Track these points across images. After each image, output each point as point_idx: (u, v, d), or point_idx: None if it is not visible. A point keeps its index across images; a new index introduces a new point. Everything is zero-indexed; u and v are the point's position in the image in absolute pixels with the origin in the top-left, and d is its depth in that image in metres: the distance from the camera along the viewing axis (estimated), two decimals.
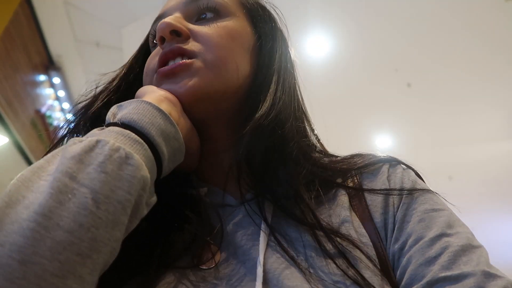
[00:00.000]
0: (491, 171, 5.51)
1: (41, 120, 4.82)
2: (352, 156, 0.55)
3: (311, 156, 0.51)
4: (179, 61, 0.48)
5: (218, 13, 0.53)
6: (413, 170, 0.52)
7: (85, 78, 4.98)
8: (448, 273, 0.37)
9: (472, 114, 4.81)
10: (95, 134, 0.37)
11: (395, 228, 0.44)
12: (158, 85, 0.49)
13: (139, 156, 0.35)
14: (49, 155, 0.35)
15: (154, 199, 0.38)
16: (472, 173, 5.60)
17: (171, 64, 0.49)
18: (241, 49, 0.52)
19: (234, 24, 0.53)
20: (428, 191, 0.47)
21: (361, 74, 4.46)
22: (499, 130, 5.00)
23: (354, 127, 5.09)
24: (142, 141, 0.37)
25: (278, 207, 0.47)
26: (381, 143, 5.43)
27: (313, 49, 4.06)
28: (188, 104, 0.47)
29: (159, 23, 0.49)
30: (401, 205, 0.46)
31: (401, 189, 0.47)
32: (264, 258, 0.42)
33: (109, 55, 4.44)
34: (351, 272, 0.40)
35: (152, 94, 0.45)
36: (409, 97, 4.68)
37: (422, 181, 0.50)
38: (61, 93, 5.15)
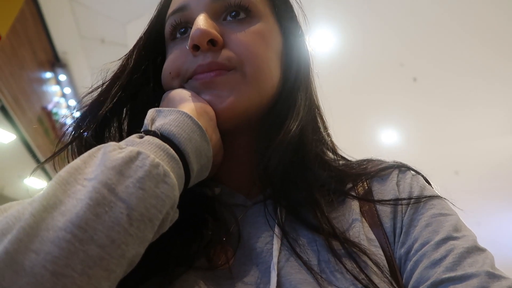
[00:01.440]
0: (497, 165, 5.47)
1: (48, 117, 4.85)
2: (363, 161, 0.55)
3: (327, 162, 0.51)
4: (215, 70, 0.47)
5: (249, 14, 0.49)
6: (422, 176, 0.51)
7: (90, 74, 5.00)
8: (452, 274, 0.38)
9: (479, 108, 4.78)
10: (135, 143, 0.36)
11: (402, 233, 0.44)
12: (195, 91, 0.47)
13: (173, 174, 0.35)
14: (85, 154, 0.34)
15: (177, 215, 0.38)
16: (478, 168, 5.57)
17: (211, 74, 0.46)
18: (274, 55, 0.51)
19: (267, 27, 0.50)
20: (436, 197, 0.47)
21: (366, 69, 4.44)
22: (505, 125, 4.96)
23: (360, 122, 5.07)
24: (178, 158, 0.37)
25: (291, 212, 0.47)
26: (387, 138, 5.41)
27: (317, 44, 4.04)
28: (224, 120, 0.46)
29: (194, 30, 0.46)
30: (408, 210, 0.46)
31: (409, 198, 0.47)
32: (277, 262, 0.42)
33: (114, 51, 4.45)
34: (361, 277, 0.40)
35: (191, 104, 0.43)
36: (415, 91, 4.66)
37: (430, 187, 0.50)
38: (67, 90, 5.19)
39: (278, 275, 0.41)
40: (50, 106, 4.89)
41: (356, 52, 4.27)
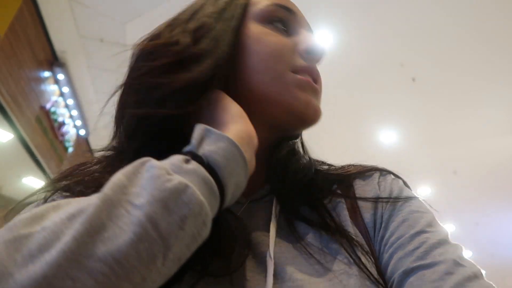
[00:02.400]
0: (495, 165, 5.49)
1: (46, 116, 4.85)
2: (345, 166, 0.60)
3: (318, 168, 0.58)
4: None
5: None
6: (402, 179, 0.55)
7: (89, 74, 5.00)
8: (422, 262, 0.41)
9: (478, 108, 4.79)
10: (182, 170, 0.35)
11: (381, 227, 0.48)
12: (301, 89, 0.52)
13: (211, 213, 0.35)
14: (129, 169, 0.33)
15: None
16: (477, 168, 5.59)
17: (317, 85, 0.54)
18: None
19: None
20: (414, 197, 0.51)
21: (365, 69, 4.45)
22: (503, 125, 4.97)
23: (358, 122, 5.08)
24: (218, 195, 0.36)
25: (288, 207, 0.52)
26: (386, 138, 5.42)
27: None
28: (301, 127, 0.54)
29: (320, 46, 0.54)
30: (388, 207, 0.50)
31: (389, 197, 0.51)
32: (274, 252, 0.45)
33: (113, 50, 4.44)
34: (357, 262, 0.44)
35: (240, 127, 0.43)
36: (414, 91, 4.66)
37: (409, 189, 0.54)
38: (66, 89, 5.18)
39: (275, 264, 0.44)
40: (48, 105, 4.88)
41: (355, 52, 4.28)
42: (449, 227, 6.88)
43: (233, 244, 0.43)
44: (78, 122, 5.75)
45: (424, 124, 5.15)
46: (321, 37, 4.07)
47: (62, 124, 5.34)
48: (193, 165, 0.35)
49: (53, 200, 0.45)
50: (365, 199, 0.52)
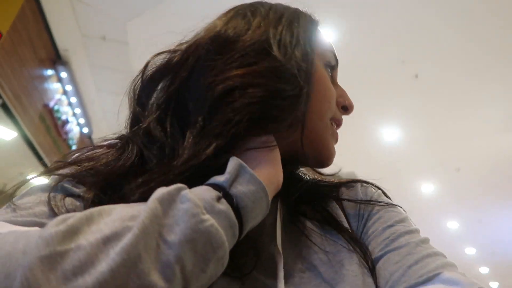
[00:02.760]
0: (499, 163, 5.47)
1: (49, 115, 4.86)
2: (331, 177, 0.66)
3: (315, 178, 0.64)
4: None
5: None
6: (381, 190, 0.61)
7: (91, 72, 5.01)
8: (389, 248, 0.49)
9: (480, 105, 4.77)
10: (214, 210, 0.35)
11: (361, 225, 0.55)
12: (333, 140, 0.58)
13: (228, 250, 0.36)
14: (164, 196, 0.33)
15: None
16: (480, 165, 5.57)
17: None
18: None
19: None
20: (392, 204, 0.57)
21: (367, 66, 4.43)
22: (507, 122, 4.95)
23: (360, 119, 5.06)
24: (238, 235, 0.38)
25: (291, 207, 0.56)
26: (388, 136, 5.40)
27: None
28: (314, 166, 0.60)
29: (352, 104, 0.60)
30: (368, 209, 0.57)
31: (369, 201, 0.57)
32: (282, 248, 0.48)
33: (115, 49, 4.45)
34: (353, 248, 0.51)
35: (272, 169, 0.44)
36: (416, 88, 4.65)
37: (388, 198, 0.60)
38: (69, 87, 5.19)
39: (284, 259, 0.46)
40: (51, 104, 4.90)
41: (357, 49, 4.26)
42: (452, 224, 6.86)
43: (245, 247, 0.44)
44: (81, 120, 5.77)
45: (427, 121, 5.13)
46: (321, 34, 4.05)
47: (66, 122, 5.36)
48: (224, 205, 0.36)
49: (63, 186, 0.45)
50: (350, 200, 0.58)
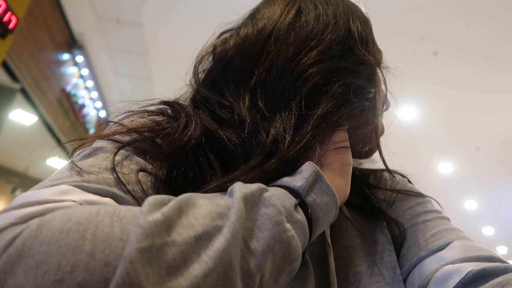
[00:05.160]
0: None
1: (67, 99, 4.94)
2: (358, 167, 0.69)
3: None
4: None
5: None
6: (407, 178, 0.65)
7: (106, 55, 5.03)
8: (409, 223, 0.55)
9: (501, 82, 4.63)
10: (293, 219, 0.34)
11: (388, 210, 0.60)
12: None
13: None
14: (248, 196, 0.32)
15: None
16: (500, 143, 5.45)
17: None
18: None
19: None
20: (418, 193, 0.60)
21: (385, 42, 4.33)
22: None
23: None
24: (305, 246, 0.38)
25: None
26: (406, 115, 5.32)
27: None
28: (360, 158, 0.61)
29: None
30: (396, 197, 0.60)
31: (399, 190, 0.61)
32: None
33: (129, 31, 4.45)
34: (390, 238, 0.55)
35: (345, 182, 0.45)
36: (435, 65, 4.53)
37: (412, 185, 0.64)
38: (85, 72, 5.24)
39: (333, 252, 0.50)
40: (68, 88, 4.97)
41: (374, 24, 4.16)
42: (471, 204, 6.78)
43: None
44: (98, 104, 5.83)
45: (446, 100, 5.02)
46: None
47: (83, 106, 5.43)
48: (301, 215, 0.36)
49: (131, 156, 0.41)
50: (380, 188, 0.62)
